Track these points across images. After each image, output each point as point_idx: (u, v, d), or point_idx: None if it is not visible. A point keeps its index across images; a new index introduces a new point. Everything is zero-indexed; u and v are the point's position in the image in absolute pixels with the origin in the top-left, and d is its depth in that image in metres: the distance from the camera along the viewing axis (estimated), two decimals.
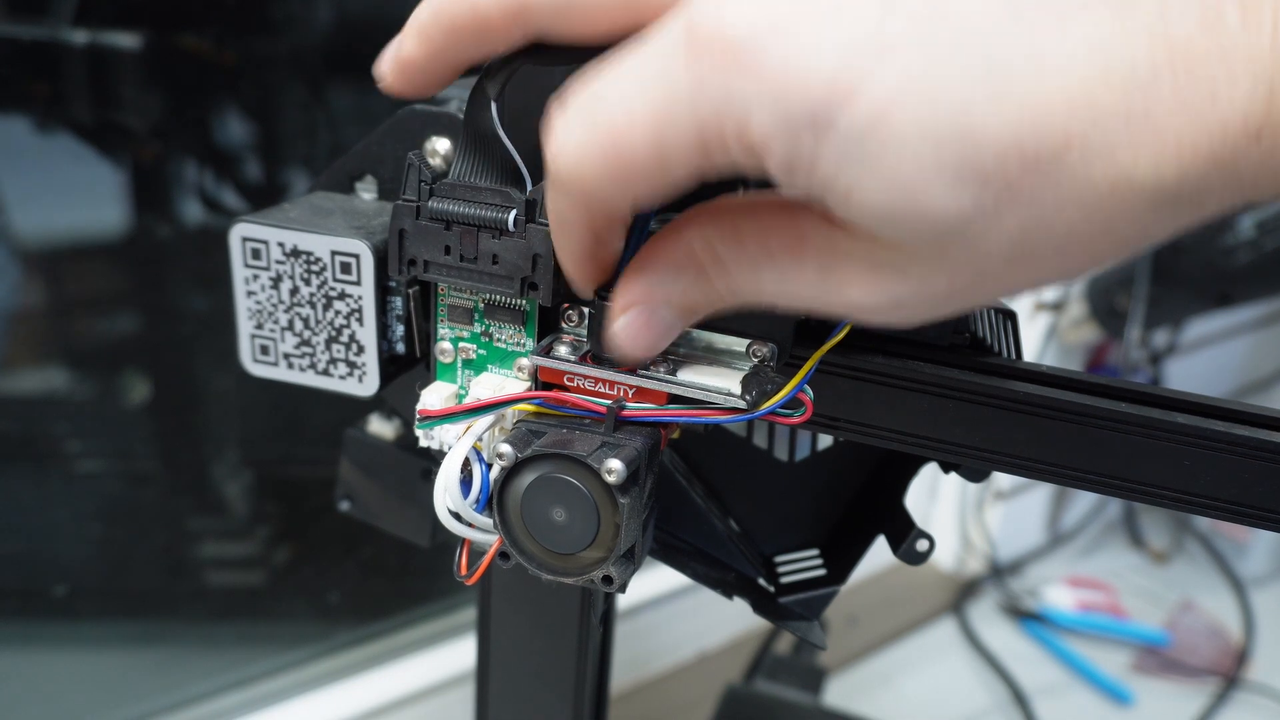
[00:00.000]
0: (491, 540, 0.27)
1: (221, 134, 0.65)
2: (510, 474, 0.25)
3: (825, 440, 0.35)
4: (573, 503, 0.24)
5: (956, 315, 0.21)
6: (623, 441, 0.25)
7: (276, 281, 0.30)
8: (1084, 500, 1.05)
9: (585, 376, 0.26)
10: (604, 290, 0.25)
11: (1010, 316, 0.30)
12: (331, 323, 0.30)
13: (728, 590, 0.34)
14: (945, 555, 1.01)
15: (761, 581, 0.35)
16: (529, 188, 0.26)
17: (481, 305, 0.29)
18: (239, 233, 0.30)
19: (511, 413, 0.27)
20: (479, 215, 0.26)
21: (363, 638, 0.72)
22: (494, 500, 0.25)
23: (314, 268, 0.30)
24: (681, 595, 0.82)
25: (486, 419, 0.27)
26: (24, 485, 0.63)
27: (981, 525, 0.99)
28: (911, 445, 0.28)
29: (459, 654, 0.72)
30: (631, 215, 0.23)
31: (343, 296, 0.30)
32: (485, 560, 0.27)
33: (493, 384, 0.29)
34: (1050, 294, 0.91)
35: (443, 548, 0.37)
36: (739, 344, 0.26)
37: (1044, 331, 0.92)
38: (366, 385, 0.31)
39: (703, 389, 0.25)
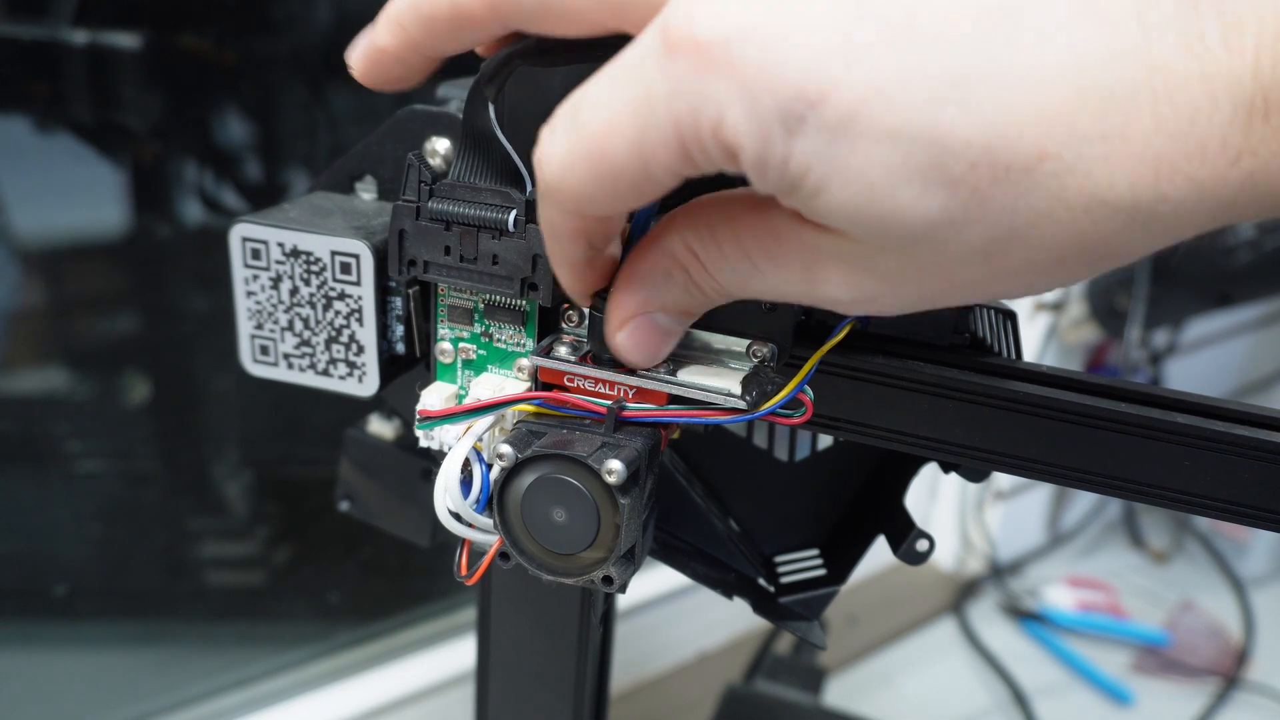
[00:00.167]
0: (491, 540, 0.27)
1: (221, 134, 0.65)
2: (510, 474, 0.25)
3: (825, 440, 0.35)
4: (573, 503, 0.24)
5: (938, 309, 0.21)
6: (623, 442, 0.25)
7: (276, 281, 0.30)
8: (1084, 500, 1.05)
9: (585, 377, 0.26)
10: (602, 295, 0.25)
11: (1010, 316, 0.30)
12: (331, 323, 0.30)
13: (728, 590, 0.34)
14: (945, 555, 1.01)
15: (761, 581, 0.35)
16: (529, 188, 0.26)
17: (481, 305, 0.29)
18: (239, 233, 0.30)
19: (511, 413, 0.27)
20: (479, 216, 0.26)
21: (363, 638, 0.72)
22: (494, 500, 0.25)
23: (314, 268, 0.30)
24: (681, 595, 0.82)
25: (486, 419, 0.27)
26: (24, 485, 0.63)
27: (981, 525, 0.99)
28: (911, 445, 0.28)
29: (459, 654, 0.72)
30: (623, 220, 0.23)
31: (343, 297, 0.30)
32: (485, 560, 0.27)
33: (493, 384, 0.29)
34: (1050, 294, 0.91)
35: (443, 548, 0.37)
36: (739, 344, 0.26)
37: (1044, 331, 0.92)
38: (366, 385, 0.31)
39: (703, 389, 0.25)
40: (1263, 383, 1.30)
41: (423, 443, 0.29)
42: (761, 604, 0.34)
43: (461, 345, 0.29)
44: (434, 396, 0.29)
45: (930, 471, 0.32)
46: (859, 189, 0.18)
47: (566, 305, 0.27)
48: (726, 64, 0.18)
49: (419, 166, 0.27)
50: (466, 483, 0.26)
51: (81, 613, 0.65)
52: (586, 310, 0.27)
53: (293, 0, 0.64)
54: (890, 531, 0.32)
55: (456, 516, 0.26)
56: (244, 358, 0.32)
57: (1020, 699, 0.83)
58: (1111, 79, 0.17)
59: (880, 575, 0.96)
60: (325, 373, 0.31)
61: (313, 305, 0.30)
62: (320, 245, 0.29)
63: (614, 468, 0.24)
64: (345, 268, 0.30)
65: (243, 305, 0.31)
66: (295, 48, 0.65)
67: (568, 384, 0.27)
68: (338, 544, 0.74)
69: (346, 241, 0.29)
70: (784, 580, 0.35)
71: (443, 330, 0.29)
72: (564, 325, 0.28)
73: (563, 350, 0.27)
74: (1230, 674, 0.88)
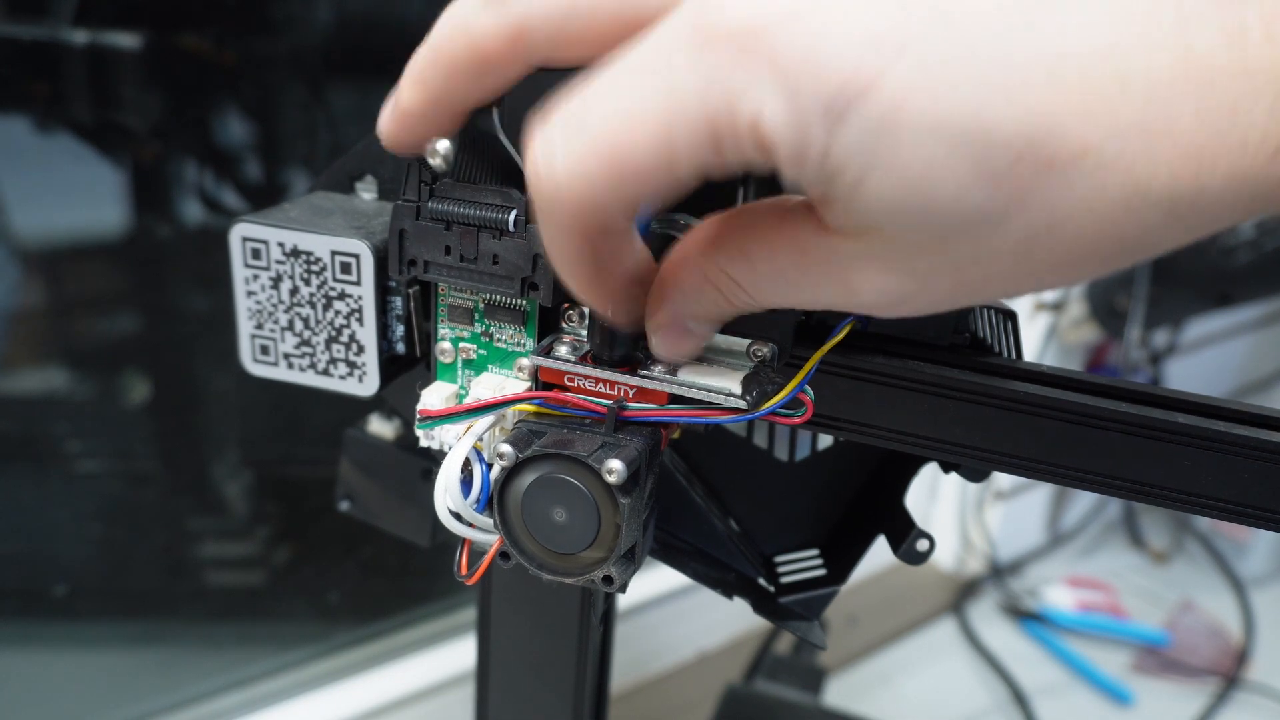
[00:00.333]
0: (492, 540, 0.27)
1: (221, 134, 0.65)
2: (511, 474, 0.25)
3: (825, 440, 0.35)
4: (573, 503, 0.24)
5: (961, 309, 0.21)
6: (623, 442, 0.25)
7: (276, 281, 0.30)
8: (1084, 500, 1.05)
9: (585, 376, 0.26)
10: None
11: (1010, 316, 0.30)
12: (331, 323, 0.30)
13: (728, 590, 0.34)
14: (945, 555, 1.01)
15: (761, 581, 0.35)
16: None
17: (482, 305, 0.29)
18: (239, 233, 0.30)
19: (512, 413, 0.27)
20: (479, 215, 0.26)
21: (363, 638, 0.72)
22: (494, 500, 0.25)
23: (314, 268, 0.30)
24: (681, 595, 0.82)
25: (487, 419, 0.27)
26: (24, 485, 0.63)
27: (981, 525, 0.99)
28: (911, 445, 0.28)
29: (459, 654, 0.72)
30: (630, 227, 0.23)
31: (343, 296, 0.30)
32: (485, 560, 0.27)
33: (493, 384, 0.29)
34: (1050, 294, 0.91)
35: (443, 548, 0.37)
36: (739, 344, 0.26)
37: (1044, 331, 0.92)
38: (366, 385, 0.31)
39: (703, 389, 0.25)
40: (1263, 383, 1.30)
41: (423, 442, 0.29)
42: (761, 604, 0.34)
43: (462, 345, 0.29)
44: (434, 396, 0.29)
45: (930, 471, 0.32)
46: (900, 182, 0.18)
47: (567, 305, 0.27)
48: (766, 54, 0.17)
49: (419, 166, 0.27)
50: (467, 482, 0.26)
51: (81, 613, 0.65)
52: (587, 310, 0.27)
53: (293, 0, 0.64)
54: (890, 531, 0.32)
55: (457, 516, 0.26)
56: (244, 358, 0.32)
57: (1020, 699, 0.83)
58: (1153, 71, 0.17)
59: (880, 575, 0.96)
60: (325, 373, 0.31)
61: (313, 305, 0.30)
62: (320, 245, 0.29)
63: (614, 467, 0.24)
64: (345, 267, 0.30)
65: (243, 305, 0.31)
66: (295, 48, 0.65)
67: (568, 384, 0.27)
68: (338, 544, 0.74)
69: (346, 241, 0.29)
70: (784, 580, 0.35)
71: (443, 330, 0.29)
72: (564, 325, 0.28)
73: (563, 350, 0.27)
74: (1230, 674, 0.88)
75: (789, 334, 0.26)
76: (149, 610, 0.68)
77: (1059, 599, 0.96)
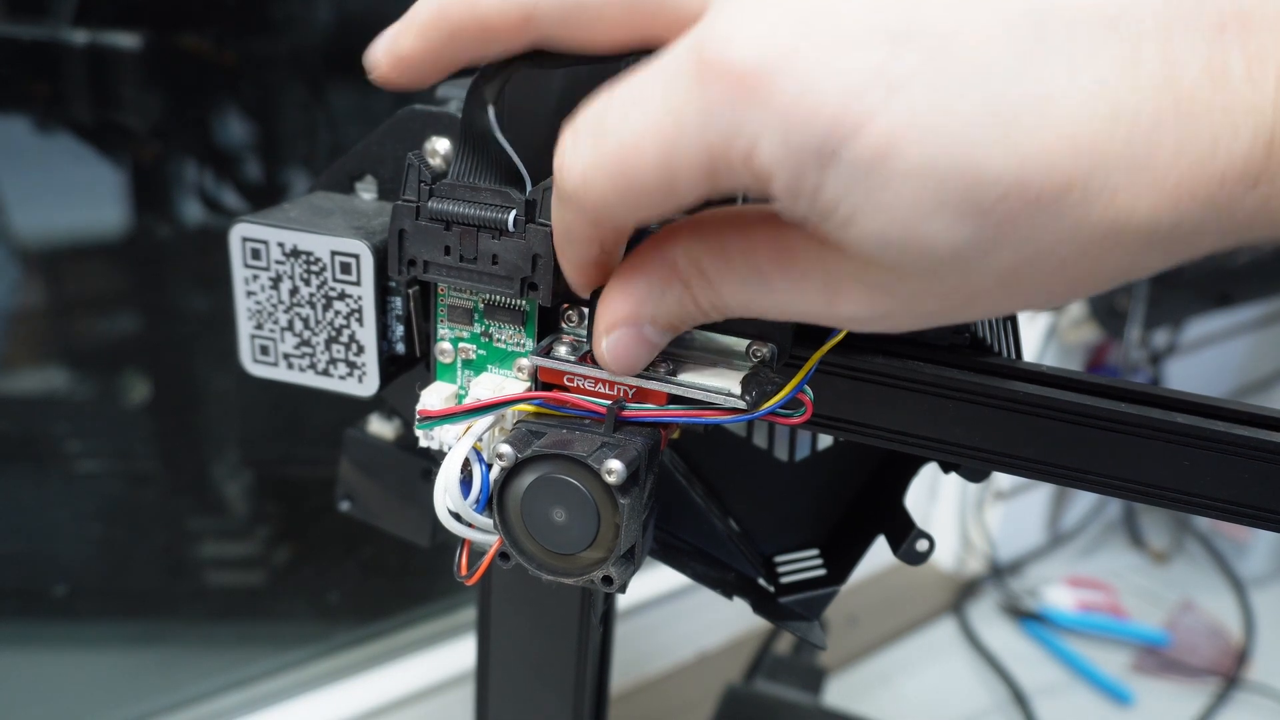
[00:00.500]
0: (491, 540, 0.27)
1: (221, 134, 0.65)
2: (510, 474, 0.25)
3: (825, 440, 0.35)
4: (573, 503, 0.24)
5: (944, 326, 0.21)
6: (623, 442, 0.25)
7: (276, 281, 0.30)
8: (1084, 500, 1.05)
9: (585, 377, 0.26)
10: (598, 292, 0.25)
11: (1010, 317, 0.30)
12: (331, 323, 0.30)
13: (728, 590, 0.34)
14: (945, 555, 1.01)
15: (761, 581, 0.35)
16: (528, 188, 0.26)
17: (481, 305, 0.29)
18: (239, 233, 0.30)
19: (511, 413, 0.27)
20: (479, 215, 0.26)
21: (363, 638, 0.72)
22: (494, 500, 0.25)
23: (314, 268, 0.30)
24: (681, 595, 0.82)
25: (486, 419, 0.27)
26: (24, 485, 0.63)
27: (981, 525, 0.99)
28: (911, 445, 0.28)
29: (459, 654, 0.72)
30: (637, 228, 0.23)
31: (343, 297, 0.30)
32: (485, 560, 0.27)
33: (493, 384, 0.29)
34: None
35: (443, 548, 0.37)
36: (739, 344, 0.26)
37: (1044, 331, 0.92)
38: (366, 385, 0.31)
39: (703, 389, 0.25)
40: (1263, 383, 1.30)
41: (423, 443, 0.29)
42: (761, 604, 0.34)
43: (461, 345, 0.29)
44: (434, 396, 0.29)
45: (930, 471, 0.32)
46: (889, 220, 0.18)
47: (566, 305, 0.27)
48: (762, 94, 0.18)
49: (419, 166, 0.27)
50: (466, 483, 0.26)
51: (81, 613, 0.65)
52: (586, 310, 0.27)
53: (293, 0, 0.64)
54: (890, 531, 0.32)
55: (456, 516, 0.26)
56: (244, 358, 0.32)
57: (1020, 699, 0.83)
58: (1138, 108, 0.17)
59: (880, 575, 0.96)
60: (325, 373, 0.31)
61: (313, 305, 0.30)
62: (320, 245, 0.29)
63: (614, 468, 0.24)
64: (345, 268, 0.30)
65: (243, 305, 0.31)
66: (295, 48, 0.65)
67: (568, 384, 0.27)
68: (338, 544, 0.74)
69: (346, 241, 0.29)
70: (784, 580, 0.35)
71: (443, 330, 0.29)
72: (564, 325, 0.28)
73: (562, 350, 0.27)
74: (1230, 674, 0.88)
75: (789, 334, 0.26)
76: (149, 610, 0.68)
77: (1059, 599, 0.96)
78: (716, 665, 0.84)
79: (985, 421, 0.27)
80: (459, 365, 0.30)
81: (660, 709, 0.79)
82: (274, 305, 0.31)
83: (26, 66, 0.55)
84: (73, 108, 0.57)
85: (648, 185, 0.20)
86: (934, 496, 1.01)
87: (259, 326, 0.31)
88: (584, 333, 0.27)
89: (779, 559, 0.36)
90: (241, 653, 0.69)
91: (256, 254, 0.30)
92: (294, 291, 0.30)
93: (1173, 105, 0.17)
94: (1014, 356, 0.29)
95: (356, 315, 0.30)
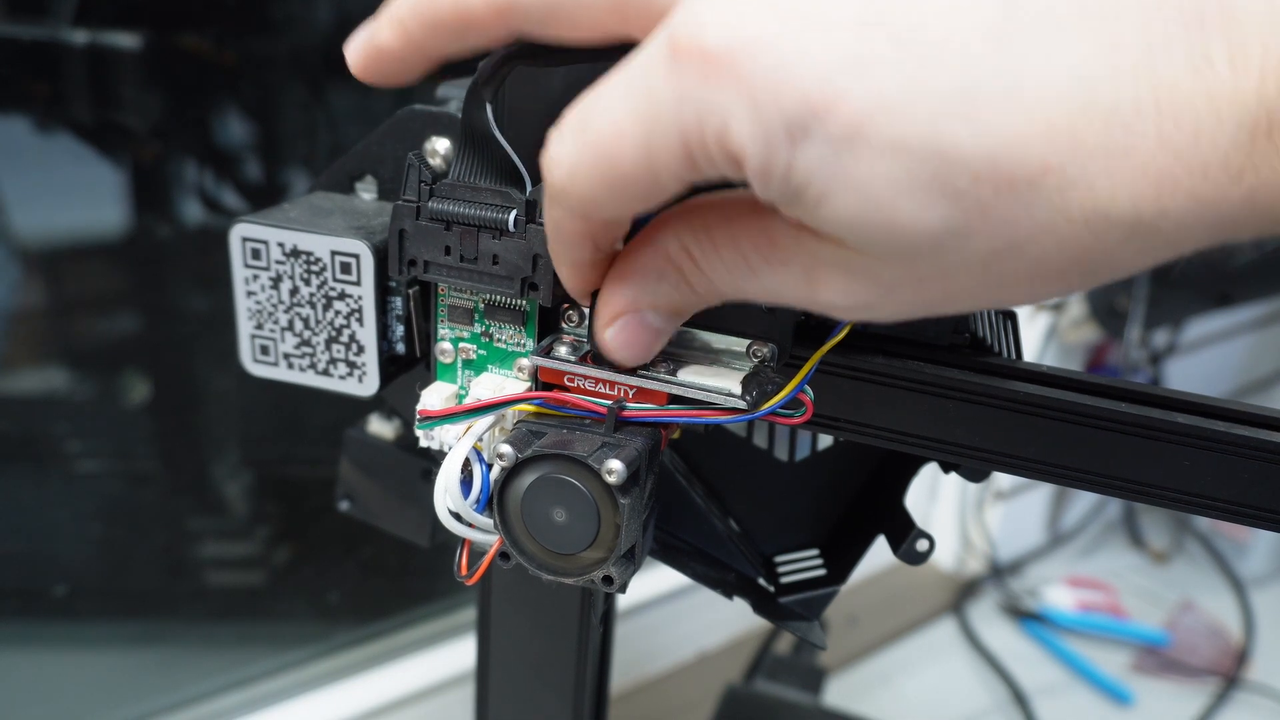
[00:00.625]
0: (492, 540, 0.27)
1: (221, 134, 0.65)
2: (510, 474, 0.25)
3: (825, 440, 0.35)
4: (573, 503, 0.24)
5: (934, 317, 0.21)
6: (623, 442, 0.25)
7: (276, 281, 0.30)
8: (1084, 500, 1.05)
9: (585, 377, 0.26)
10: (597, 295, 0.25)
11: (1010, 317, 0.30)
12: (331, 323, 0.30)
13: (728, 590, 0.34)
14: (945, 555, 1.01)
15: (761, 581, 0.35)
16: (529, 188, 0.26)
17: (481, 305, 0.29)
18: (239, 233, 0.30)
19: (512, 413, 0.27)
20: (479, 215, 0.26)
21: (363, 638, 0.72)
22: (494, 500, 0.25)
23: (314, 268, 0.30)
24: (681, 595, 0.82)
25: (486, 419, 0.27)
26: (24, 485, 0.63)
27: (981, 525, 0.99)
28: (911, 445, 0.28)
29: (459, 654, 0.72)
30: (629, 224, 0.23)
31: (343, 296, 0.30)
32: (485, 560, 0.27)
33: (493, 384, 0.29)
34: None
35: (443, 548, 0.37)
36: (739, 344, 0.26)
37: (1044, 331, 0.92)
38: (366, 385, 0.31)
39: (703, 389, 0.25)
40: (1263, 383, 1.30)
41: (423, 443, 0.29)
42: (761, 604, 0.34)
43: (461, 345, 0.29)
44: (434, 396, 0.29)
45: (930, 471, 0.32)
46: (861, 200, 0.18)
47: (566, 305, 0.27)
48: (733, 73, 0.18)
49: (419, 166, 0.27)
50: (466, 483, 0.26)
51: (81, 613, 0.65)
52: (587, 310, 0.27)
53: (293, 0, 0.64)
54: (890, 531, 0.32)
55: (456, 516, 0.26)
56: (244, 358, 0.32)
57: (1020, 699, 0.83)
58: (1116, 95, 0.17)
59: (880, 575, 0.96)
60: (325, 373, 0.31)
61: (313, 305, 0.30)
62: (320, 245, 0.29)
63: (614, 468, 0.24)
64: (345, 268, 0.30)
65: (243, 305, 0.31)
66: (295, 48, 0.65)
67: (568, 384, 0.27)
68: (338, 544, 0.74)
69: (346, 241, 0.29)
70: (784, 580, 0.35)
71: (443, 330, 0.29)
72: (564, 325, 0.28)
73: (563, 350, 0.27)
74: (1230, 674, 0.88)
75: (789, 334, 0.26)
76: (149, 610, 0.68)
77: (1059, 599, 0.96)
78: (716, 665, 0.84)
79: (985, 421, 0.27)
80: (459, 365, 0.30)
81: (660, 709, 0.79)
82: (274, 305, 0.31)
83: (26, 66, 0.55)
84: (73, 108, 0.57)
85: (630, 174, 0.20)
86: (934, 496, 1.01)
87: (259, 326, 0.31)
88: (584, 333, 0.27)
89: (779, 559, 0.36)
90: (241, 653, 0.69)
91: (256, 254, 0.30)
92: (294, 291, 0.30)
93: (1152, 94, 0.17)
94: (1014, 356, 0.29)
95: (356, 315, 0.30)
